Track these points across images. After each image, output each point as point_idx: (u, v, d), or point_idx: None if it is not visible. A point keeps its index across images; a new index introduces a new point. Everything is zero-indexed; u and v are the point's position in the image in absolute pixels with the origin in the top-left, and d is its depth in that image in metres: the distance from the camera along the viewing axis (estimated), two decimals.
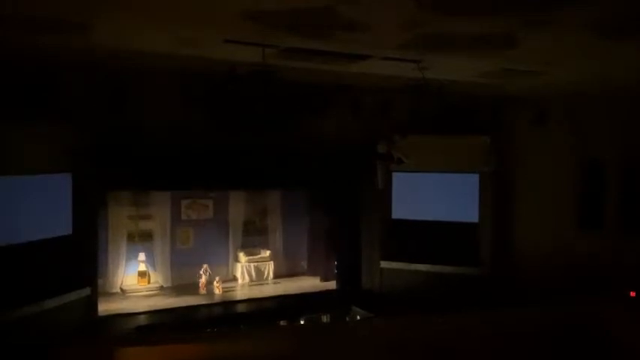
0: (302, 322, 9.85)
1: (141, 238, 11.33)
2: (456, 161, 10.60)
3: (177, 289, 11.15)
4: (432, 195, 10.89)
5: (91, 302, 8.91)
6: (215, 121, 8.22)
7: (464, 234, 10.79)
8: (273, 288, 11.68)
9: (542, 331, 5.46)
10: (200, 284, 10.95)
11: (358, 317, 10.16)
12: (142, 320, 9.53)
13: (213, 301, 10.67)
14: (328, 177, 10.64)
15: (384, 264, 11.09)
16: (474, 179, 10.79)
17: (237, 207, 12.18)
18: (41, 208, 7.92)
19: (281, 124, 8.84)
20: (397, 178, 10.91)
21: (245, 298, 11.09)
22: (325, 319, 10.13)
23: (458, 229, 10.78)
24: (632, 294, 8.95)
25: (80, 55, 7.37)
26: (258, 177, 10.04)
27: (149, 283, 11.18)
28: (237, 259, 12.05)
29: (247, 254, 11.98)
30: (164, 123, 8.73)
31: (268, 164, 9.80)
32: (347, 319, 10.19)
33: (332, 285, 11.46)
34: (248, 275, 11.88)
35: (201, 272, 11.02)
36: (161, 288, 11.19)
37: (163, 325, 9.29)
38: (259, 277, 11.95)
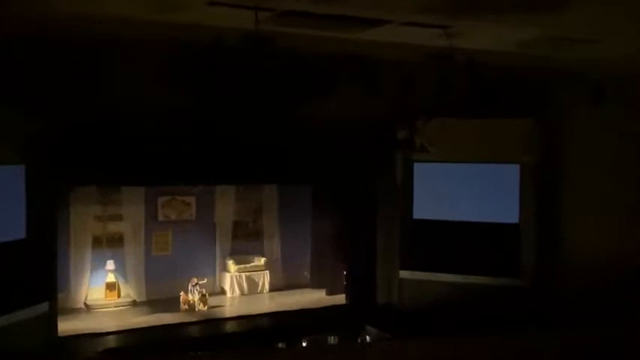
0: (304, 345, 9.88)
1: (109, 243, 11.40)
2: (492, 149, 10.58)
3: (153, 304, 11.20)
4: (463, 190, 10.87)
5: (50, 320, 8.95)
6: (199, 102, 8.22)
7: (501, 237, 10.79)
8: (269, 303, 11.75)
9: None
10: (182, 299, 10.94)
11: (370, 338, 10.19)
12: (111, 342, 9.57)
13: (197, 319, 10.70)
14: (336, 169, 10.62)
15: (403, 274, 11.12)
16: (513, 171, 10.78)
17: (226, 205, 12.22)
18: None
19: (279, 106, 8.82)
20: (420, 169, 10.94)
21: (235, 315, 11.16)
22: (332, 340, 10.17)
23: (494, 232, 10.79)
24: None
25: (36, 23, 7.35)
26: (251, 169, 10.05)
27: (119, 297, 11.26)
28: (225, 269, 12.11)
29: (238, 262, 12.05)
30: (137, 105, 8.72)
31: (263, 154, 9.82)
32: (359, 340, 10.23)
33: (340, 299, 11.51)
34: (239, 288, 11.96)
35: (190, 287, 11.01)
36: (134, 303, 11.26)
37: (136, 348, 9.33)
38: (252, 289, 12.04)
